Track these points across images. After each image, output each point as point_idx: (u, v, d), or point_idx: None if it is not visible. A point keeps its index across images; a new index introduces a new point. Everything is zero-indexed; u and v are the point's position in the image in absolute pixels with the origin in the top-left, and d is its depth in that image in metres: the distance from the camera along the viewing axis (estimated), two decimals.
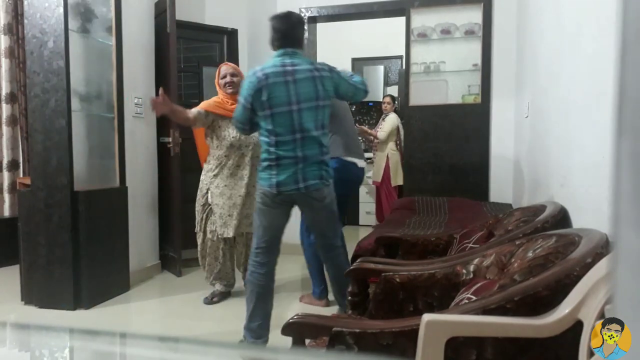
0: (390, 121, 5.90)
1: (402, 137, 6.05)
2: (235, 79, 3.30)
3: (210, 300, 3.41)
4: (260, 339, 2.54)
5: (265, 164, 2.45)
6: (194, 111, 3.14)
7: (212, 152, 3.31)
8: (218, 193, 3.25)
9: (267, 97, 2.39)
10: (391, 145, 5.92)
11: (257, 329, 2.54)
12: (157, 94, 4.07)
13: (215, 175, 3.26)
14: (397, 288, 1.77)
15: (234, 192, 3.26)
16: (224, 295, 3.49)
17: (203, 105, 3.24)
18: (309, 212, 2.59)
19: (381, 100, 7.00)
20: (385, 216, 5.92)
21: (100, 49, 3.57)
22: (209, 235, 3.32)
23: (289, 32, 2.51)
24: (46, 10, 3.20)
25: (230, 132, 3.23)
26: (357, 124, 6.09)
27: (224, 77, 3.31)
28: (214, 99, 3.31)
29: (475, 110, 4.23)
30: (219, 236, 3.30)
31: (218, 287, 3.49)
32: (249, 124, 2.51)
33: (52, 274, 3.27)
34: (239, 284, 3.53)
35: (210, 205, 3.29)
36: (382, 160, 5.88)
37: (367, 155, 7.07)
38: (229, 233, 3.26)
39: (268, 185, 2.44)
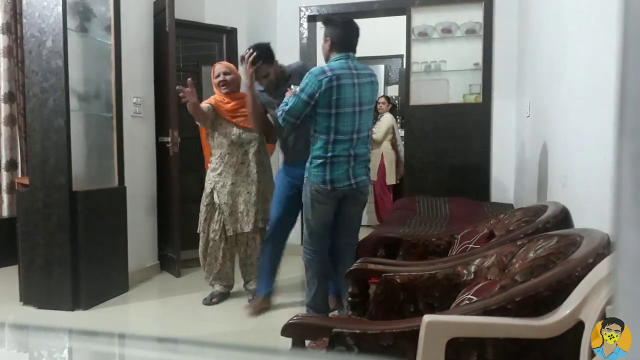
0: (385, 121, 5.99)
1: (397, 136, 6.11)
2: (228, 78, 3.27)
3: (209, 301, 3.38)
4: (323, 312, 2.78)
5: (319, 161, 2.60)
6: (204, 106, 3.16)
7: (214, 152, 3.29)
8: (226, 192, 3.23)
9: (336, 96, 2.54)
10: (386, 144, 5.98)
11: (321, 305, 2.81)
12: (156, 93, 4.07)
13: (220, 174, 3.24)
14: (397, 289, 1.77)
15: (242, 189, 3.24)
16: (223, 296, 3.46)
17: (209, 101, 3.25)
18: (354, 206, 2.78)
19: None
20: (381, 215, 5.98)
21: (99, 48, 3.57)
22: (211, 235, 3.28)
23: (352, 37, 2.69)
24: (45, 10, 3.20)
25: (231, 130, 3.22)
26: None
27: (218, 76, 3.28)
28: (215, 97, 3.29)
29: (476, 109, 4.22)
30: (226, 234, 3.27)
31: (217, 287, 3.45)
32: (300, 119, 2.63)
33: (51, 275, 3.26)
34: (239, 284, 3.52)
35: (214, 205, 3.26)
36: (377, 159, 5.96)
37: None
38: (246, 228, 3.24)
39: (322, 182, 2.61)
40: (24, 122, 4.03)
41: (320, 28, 4.98)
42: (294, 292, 3.79)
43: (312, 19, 4.72)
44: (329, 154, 2.59)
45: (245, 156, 3.26)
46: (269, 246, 3.16)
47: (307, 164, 2.66)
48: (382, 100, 6.11)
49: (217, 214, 3.26)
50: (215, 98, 3.28)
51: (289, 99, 2.61)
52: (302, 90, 2.54)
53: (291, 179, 3.04)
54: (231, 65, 3.38)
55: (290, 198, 3.04)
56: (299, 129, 2.84)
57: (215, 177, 3.25)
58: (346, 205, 2.75)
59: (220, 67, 3.31)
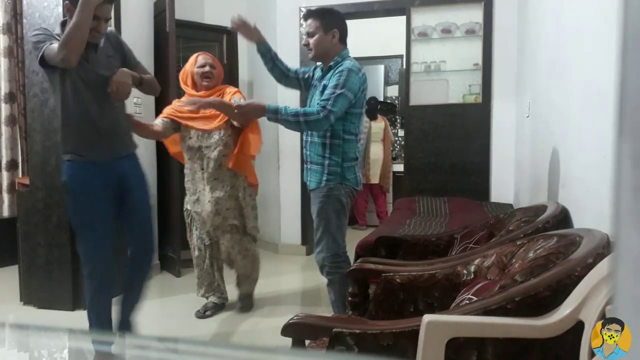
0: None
1: (390, 137, 6.24)
2: (214, 71, 3.01)
3: (202, 314, 3.16)
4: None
5: (351, 163, 2.46)
6: (157, 122, 2.90)
7: (185, 160, 3.11)
8: (194, 200, 3.05)
9: (364, 95, 2.47)
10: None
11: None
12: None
13: (191, 182, 3.06)
14: (397, 288, 1.77)
15: (209, 196, 2.99)
16: (218, 308, 3.23)
17: (163, 114, 2.97)
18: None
19: (381, 99, 7.01)
20: (357, 217, 6.18)
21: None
22: (196, 243, 3.13)
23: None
24: (45, 10, 3.20)
25: (188, 134, 2.98)
26: None
27: (203, 66, 2.97)
28: (172, 105, 3.02)
29: (476, 109, 4.23)
30: (205, 245, 3.10)
31: (212, 299, 3.24)
32: None
33: (51, 275, 3.27)
34: (233, 296, 3.35)
35: (190, 214, 3.11)
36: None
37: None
38: (221, 236, 3.07)
39: (356, 184, 2.50)
40: (25, 122, 4.03)
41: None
42: (294, 291, 3.79)
43: None
44: (357, 156, 2.51)
45: (208, 162, 2.97)
46: (96, 278, 2.35)
47: (335, 169, 2.42)
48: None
49: (194, 224, 3.12)
50: (172, 107, 2.99)
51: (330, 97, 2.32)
52: (346, 88, 2.33)
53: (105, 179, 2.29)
54: (216, 60, 3.10)
55: (105, 203, 2.29)
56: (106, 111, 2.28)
57: (186, 184, 3.09)
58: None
59: (206, 57, 3.02)
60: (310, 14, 2.51)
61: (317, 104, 2.34)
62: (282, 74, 2.69)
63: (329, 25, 2.46)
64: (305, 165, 2.59)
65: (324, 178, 2.44)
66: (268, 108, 2.34)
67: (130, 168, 2.41)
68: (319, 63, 2.61)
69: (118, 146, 2.35)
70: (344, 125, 2.41)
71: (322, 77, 2.49)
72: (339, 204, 2.45)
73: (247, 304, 3.29)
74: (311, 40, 2.46)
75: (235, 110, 2.39)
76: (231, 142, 3.00)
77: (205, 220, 3.01)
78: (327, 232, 2.45)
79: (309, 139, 2.50)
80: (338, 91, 2.32)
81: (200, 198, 3.02)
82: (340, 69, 2.39)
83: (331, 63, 2.46)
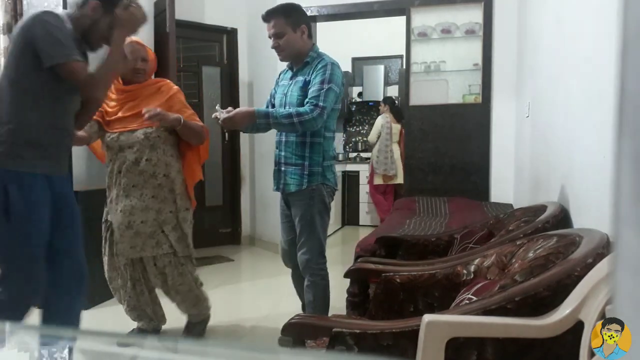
0: (376, 123, 6.28)
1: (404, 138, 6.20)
2: (147, 66, 2.58)
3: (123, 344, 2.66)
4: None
5: (330, 162, 2.40)
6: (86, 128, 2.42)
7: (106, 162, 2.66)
8: (114, 209, 2.57)
9: (342, 91, 2.37)
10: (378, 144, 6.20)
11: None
12: None
13: (109, 188, 2.60)
14: (397, 288, 1.77)
15: (118, 206, 2.54)
16: (147, 334, 2.72)
17: None
18: None
19: (381, 99, 7.02)
20: (380, 216, 6.11)
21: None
22: (113, 258, 2.62)
23: None
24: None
25: (108, 133, 2.55)
26: None
27: (135, 60, 2.51)
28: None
29: (476, 109, 4.23)
30: (124, 262, 2.60)
31: (141, 324, 2.78)
32: None
33: None
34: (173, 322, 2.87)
35: (109, 224, 2.62)
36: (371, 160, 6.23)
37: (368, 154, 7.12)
38: (147, 252, 2.54)
39: (335, 184, 2.44)
40: None
41: (320, 28, 4.98)
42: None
43: (312, 19, 4.71)
44: (334, 154, 2.44)
45: (130, 164, 2.51)
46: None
47: (316, 169, 2.34)
48: (381, 105, 6.32)
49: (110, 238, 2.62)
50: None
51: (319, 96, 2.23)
52: (333, 83, 2.25)
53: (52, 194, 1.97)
54: (149, 50, 2.63)
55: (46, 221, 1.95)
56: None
57: (107, 191, 2.64)
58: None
59: (136, 48, 2.52)
60: (272, 13, 2.34)
61: (307, 102, 2.24)
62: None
63: (296, 21, 2.33)
64: (276, 168, 2.45)
65: (305, 180, 2.34)
66: (257, 113, 2.25)
67: (68, 186, 2.20)
68: (282, 69, 2.53)
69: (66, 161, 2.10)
70: (325, 122, 2.31)
71: (296, 74, 2.39)
72: (323, 205, 2.38)
73: (196, 332, 2.81)
74: (280, 42, 2.33)
75: (221, 123, 2.25)
76: (160, 144, 2.52)
77: (116, 234, 2.54)
78: (313, 234, 2.37)
79: (284, 139, 2.39)
80: (326, 86, 2.23)
81: (113, 207, 2.56)
82: (322, 64, 2.29)
83: (307, 59, 2.36)
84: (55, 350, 0.94)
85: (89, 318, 3.15)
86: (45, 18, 1.82)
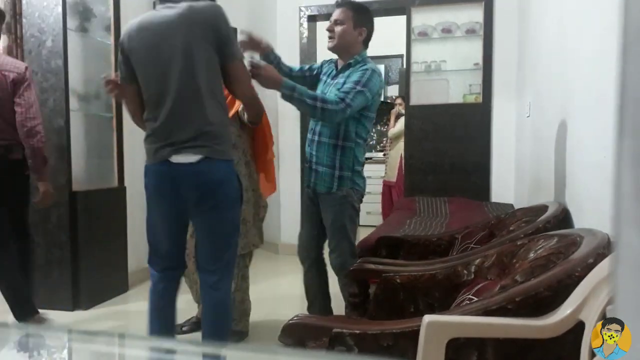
0: (402, 119, 6.01)
1: None
2: None
3: (180, 330, 2.79)
4: None
5: (360, 168, 2.43)
6: None
7: None
8: None
9: (378, 102, 2.43)
10: (402, 144, 5.98)
11: None
12: None
13: None
14: (397, 289, 1.77)
15: None
16: (198, 326, 2.73)
17: None
18: None
19: (381, 99, 6.99)
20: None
21: (98, 48, 3.57)
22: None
23: None
24: (45, 10, 3.21)
25: None
26: None
27: None
28: None
29: (477, 109, 4.22)
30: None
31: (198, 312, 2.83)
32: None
33: (51, 275, 3.26)
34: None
35: None
36: (396, 159, 5.86)
37: (377, 154, 7.10)
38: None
39: (364, 189, 2.48)
40: None
41: (320, 27, 4.97)
42: (295, 291, 3.79)
43: (312, 18, 4.72)
44: (364, 160, 2.49)
45: None
46: None
47: (347, 173, 2.36)
48: (400, 101, 6.06)
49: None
50: None
51: (349, 89, 2.23)
52: (367, 87, 2.25)
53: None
54: None
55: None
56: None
57: None
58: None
59: (244, 36, 2.61)
60: (346, 3, 2.39)
61: (336, 95, 2.23)
62: (286, 76, 2.48)
63: (361, 21, 2.35)
64: (308, 166, 2.48)
65: (336, 183, 2.37)
66: (285, 83, 2.16)
67: None
68: (329, 59, 2.53)
69: None
70: (357, 128, 2.35)
71: (337, 75, 2.41)
72: (353, 210, 2.43)
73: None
74: (337, 29, 2.34)
75: (250, 69, 2.13)
76: (239, 143, 2.55)
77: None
78: (346, 238, 2.42)
79: (316, 139, 2.40)
80: (359, 88, 2.23)
81: None
82: (364, 67, 2.31)
83: (350, 61, 2.37)
84: (55, 351, 0.94)
85: (89, 318, 3.16)
86: (224, 13, 1.95)
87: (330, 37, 2.37)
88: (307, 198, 2.56)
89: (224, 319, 2.05)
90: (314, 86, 2.53)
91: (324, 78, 2.49)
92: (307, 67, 2.61)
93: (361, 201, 2.49)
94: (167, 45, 1.85)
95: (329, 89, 2.39)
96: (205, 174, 1.88)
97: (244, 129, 2.56)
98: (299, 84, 2.49)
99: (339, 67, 2.44)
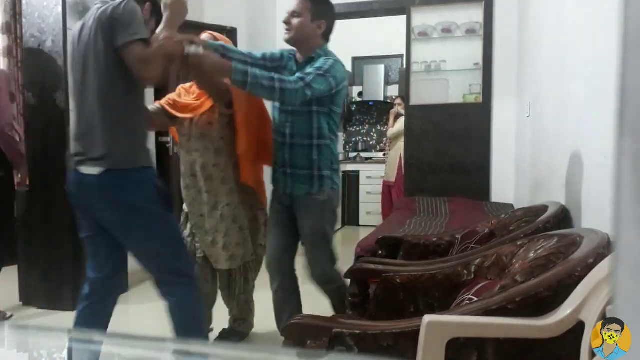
0: (401, 119, 6.00)
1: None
2: None
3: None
4: None
5: (337, 166, 2.29)
6: (151, 108, 2.41)
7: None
8: (194, 209, 2.50)
9: (343, 96, 2.27)
10: (401, 144, 5.97)
11: None
12: (156, 93, 4.03)
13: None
14: (397, 289, 1.77)
15: (203, 209, 2.46)
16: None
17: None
18: None
19: (381, 99, 7.01)
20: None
21: None
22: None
23: None
24: (45, 9, 3.21)
25: (181, 129, 2.43)
26: None
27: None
28: (179, 89, 2.54)
29: (477, 109, 4.22)
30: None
31: None
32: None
33: (51, 275, 3.26)
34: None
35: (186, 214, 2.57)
36: (396, 159, 5.85)
37: (377, 155, 7.10)
38: (220, 265, 2.47)
39: (339, 189, 2.34)
40: (24, 122, 4.03)
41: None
42: None
43: None
44: (339, 158, 2.34)
45: (194, 167, 2.38)
46: None
47: (326, 172, 2.21)
48: (399, 101, 6.04)
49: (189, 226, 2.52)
50: (178, 91, 2.49)
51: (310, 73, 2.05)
52: (329, 73, 2.08)
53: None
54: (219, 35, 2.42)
55: None
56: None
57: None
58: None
59: (206, 36, 2.30)
60: None
61: (297, 75, 2.06)
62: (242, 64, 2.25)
63: (319, 13, 2.19)
64: (281, 169, 2.25)
65: (317, 184, 2.20)
66: (235, 68, 1.93)
67: None
68: (289, 49, 2.32)
69: None
70: (329, 123, 2.19)
71: (299, 69, 2.19)
72: (333, 216, 2.32)
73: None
74: (294, 21, 2.17)
75: (188, 61, 1.94)
76: (220, 145, 2.36)
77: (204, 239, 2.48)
78: (327, 246, 2.30)
79: (288, 141, 2.20)
80: (320, 72, 2.06)
81: (195, 210, 2.46)
82: (325, 58, 2.15)
83: (312, 55, 2.20)
84: (55, 351, 0.94)
85: None
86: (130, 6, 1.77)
87: (287, 30, 2.20)
88: (279, 205, 2.34)
89: (180, 327, 1.94)
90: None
91: (285, 73, 2.24)
92: (269, 54, 2.34)
93: (339, 201, 2.37)
94: (75, 51, 1.84)
95: None
96: (101, 186, 1.79)
97: (229, 128, 2.35)
98: None
99: (300, 62, 2.25)
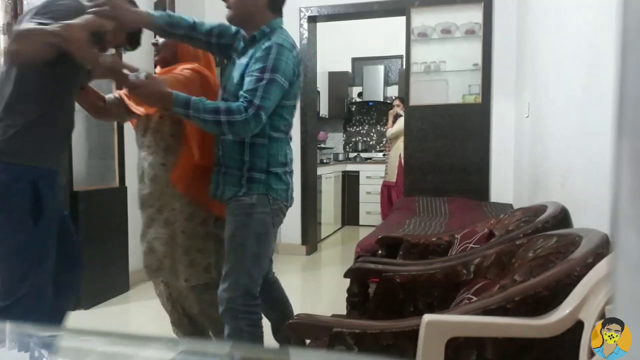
0: (399, 121, 6.00)
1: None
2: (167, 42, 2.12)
3: None
4: None
5: (279, 169, 1.86)
6: (108, 97, 2.19)
7: None
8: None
9: (299, 83, 1.88)
10: (401, 144, 5.97)
11: None
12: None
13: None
14: (397, 288, 1.77)
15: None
16: None
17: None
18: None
19: (381, 99, 7.02)
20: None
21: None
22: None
23: None
24: None
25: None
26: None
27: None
28: None
29: (476, 110, 4.23)
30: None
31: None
32: None
33: None
34: None
35: None
36: (396, 160, 5.87)
37: (377, 155, 7.11)
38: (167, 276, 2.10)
39: (286, 198, 1.91)
40: None
41: (320, 28, 4.97)
42: (295, 291, 3.79)
43: (312, 19, 4.72)
44: (289, 160, 1.93)
45: (144, 166, 2.08)
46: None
47: (258, 175, 1.83)
48: (397, 102, 6.06)
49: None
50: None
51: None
52: (278, 72, 1.73)
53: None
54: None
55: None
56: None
57: None
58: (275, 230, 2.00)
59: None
60: None
61: (241, 95, 1.73)
62: (187, 34, 1.95)
63: None
64: (216, 169, 1.92)
65: (244, 188, 1.83)
66: (175, 98, 1.68)
67: None
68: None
69: None
70: (271, 120, 1.81)
71: (244, 51, 1.87)
72: (262, 226, 1.84)
73: None
74: None
75: (130, 88, 1.74)
76: (165, 144, 2.03)
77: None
78: (241, 263, 1.83)
79: (221, 137, 1.89)
80: (267, 76, 1.71)
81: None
82: (267, 44, 1.76)
83: (255, 33, 1.84)
84: (55, 350, 0.94)
85: (89, 318, 3.16)
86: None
87: (227, 7, 1.86)
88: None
89: None
90: (226, 58, 2.01)
91: (234, 56, 1.94)
92: (217, 29, 1.96)
93: (282, 215, 1.92)
94: None
95: (233, 74, 1.87)
96: None
97: (183, 124, 1.99)
98: (203, 48, 2.00)
99: (245, 41, 1.91)
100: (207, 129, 1.77)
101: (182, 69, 1.98)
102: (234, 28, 1.96)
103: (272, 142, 1.85)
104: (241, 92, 1.74)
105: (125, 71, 1.74)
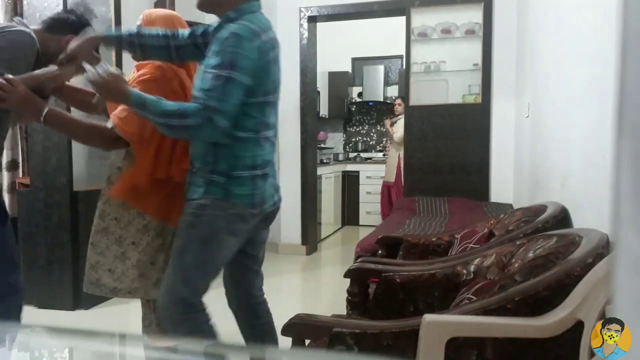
0: (400, 122, 5.98)
1: None
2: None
3: None
4: None
5: (244, 173, 1.64)
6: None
7: None
8: None
9: (273, 75, 1.65)
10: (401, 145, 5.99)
11: None
12: None
13: None
14: (397, 288, 1.77)
15: None
16: None
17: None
18: (265, 232, 1.93)
19: (381, 100, 7.01)
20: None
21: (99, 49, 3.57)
22: None
23: None
24: (46, 10, 3.21)
25: None
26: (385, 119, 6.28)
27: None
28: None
29: (476, 110, 4.23)
30: None
31: None
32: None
33: (52, 274, 3.27)
34: None
35: None
36: (395, 160, 5.89)
37: (377, 155, 7.11)
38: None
39: (251, 204, 1.66)
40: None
41: (320, 28, 4.97)
42: (295, 290, 3.79)
43: (312, 19, 4.72)
44: (259, 162, 1.67)
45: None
46: None
47: (219, 178, 1.64)
48: (399, 101, 6.04)
49: None
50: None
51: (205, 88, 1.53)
52: (235, 68, 1.52)
53: None
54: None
55: None
56: None
57: None
58: (258, 232, 1.85)
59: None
60: None
61: (194, 96, 1.57)
62: (151, 45, 1.79)
63: None
64: (188, 169, 1.76)
65: (201, 189, 1.66)
66: (132, 99, 1.55)
67: None
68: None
69: None
70: (239, 119, 1.60)
71: (212, 41, 1.65)
72: (210, 230, 1.64)
73: None
74: None
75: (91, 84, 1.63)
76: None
77: None
78: (178, 268, 1.66)
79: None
80: (224, 73, 1.51)
81: None
82: (224, 35, 1.56)
83: (223, 19, 1.67)
84: (55, 350, 0.94)
85: (89, 318, 3.16)
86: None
87: None
88: None
89: None
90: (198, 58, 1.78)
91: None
92: (199, 31, 1.84)
93: (242, 222, 1.67)
94: None
95: (200, 69, 1.69)
96: None
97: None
98: (192, 57, 1.84)
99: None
100: (165, 132, 1.62)
101: (150, 67, 1.83)
102: (199, 29, 1.84)
103: (238, 143, 1.63)
104: (194, 92, 1.58)
105: (86, 65, 1.63)
